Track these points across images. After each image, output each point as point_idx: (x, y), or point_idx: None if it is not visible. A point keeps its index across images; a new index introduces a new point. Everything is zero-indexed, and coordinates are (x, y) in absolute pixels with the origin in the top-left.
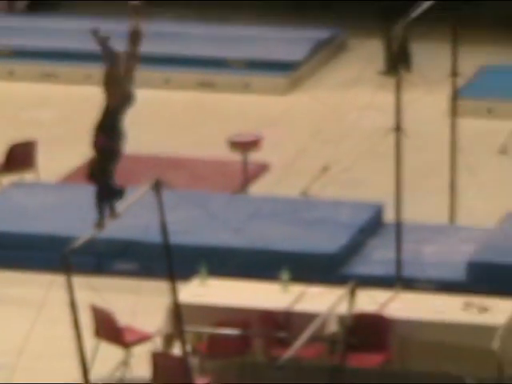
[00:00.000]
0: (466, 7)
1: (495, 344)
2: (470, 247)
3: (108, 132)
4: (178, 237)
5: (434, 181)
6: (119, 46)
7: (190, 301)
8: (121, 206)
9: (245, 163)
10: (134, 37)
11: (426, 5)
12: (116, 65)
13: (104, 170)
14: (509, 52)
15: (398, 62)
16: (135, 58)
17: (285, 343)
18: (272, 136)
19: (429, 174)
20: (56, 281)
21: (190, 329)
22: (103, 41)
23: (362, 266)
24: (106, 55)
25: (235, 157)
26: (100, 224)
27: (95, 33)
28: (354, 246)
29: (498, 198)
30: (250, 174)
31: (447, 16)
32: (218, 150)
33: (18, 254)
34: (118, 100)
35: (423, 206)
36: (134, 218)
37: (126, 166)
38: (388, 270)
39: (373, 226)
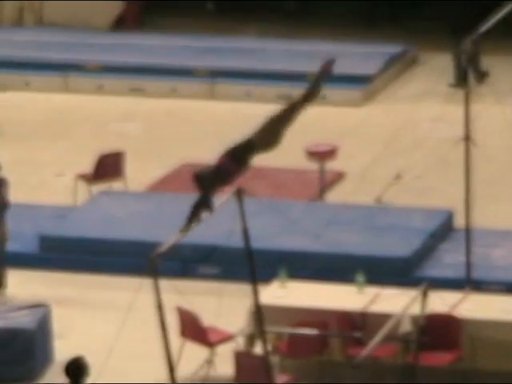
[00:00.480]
0: None
1: None
2: None
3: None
4: (259, 242)
5: (502, 188)
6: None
7: (271, 302)
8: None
9: (322, 172)
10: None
11: (494, 19)
12: None
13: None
14: None
15: (467, 75)
16: None
17: (361, 343)
18: (347, 146)
19: (497, 182)
20: (143, 284)
21: (270, 329)
22: None
23: (433, 269)
24: None
25: (313, 166)
26: (185, 229)
27: None
28: (426, 251)
29: None
30: (327, 183)
31: None
32: (297, 160)
33: (106, 259)
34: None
35: (492, 213)
36: (217, 225)
37: None
38: (458, 272)
39: (444, 231)
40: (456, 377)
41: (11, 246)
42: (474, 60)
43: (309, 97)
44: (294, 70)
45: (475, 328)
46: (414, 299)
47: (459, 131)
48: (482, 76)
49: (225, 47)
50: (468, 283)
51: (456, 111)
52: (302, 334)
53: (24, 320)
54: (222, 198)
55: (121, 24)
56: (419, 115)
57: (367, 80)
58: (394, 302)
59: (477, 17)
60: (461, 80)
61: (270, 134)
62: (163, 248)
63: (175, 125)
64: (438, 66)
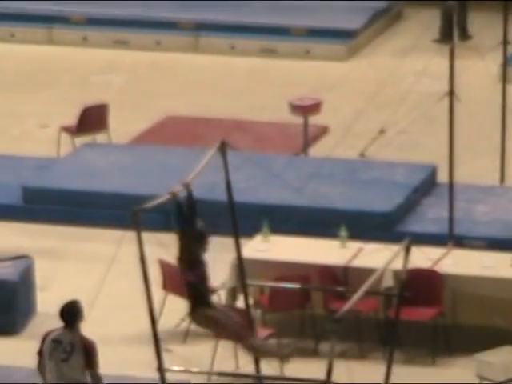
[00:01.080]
0: None
1: None
2: None
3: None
4: (242, 195)
5: (485, 143)
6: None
7: (253, 256)
8: (191, 175)
9: (305, 126)
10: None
11: None
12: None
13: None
14: None
15: (452, 31)
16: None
17: (343, 297)
18: (331, 100)
19: (480, 137)
20: (126, 237)
21: (252, 283)
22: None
23: (416, 224)
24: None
25: (296, 120)
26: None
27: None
28: (409, 205)
29: None
30: (311, 137)
31: None
32: (280, 114)
33: (89, 211)
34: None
35: (475, 168)
36: (200, 178)
37: (193, 129)
38: (441, 228)
39: (427, 186)
40: (437, 331)
41: None
42: (459, 17)
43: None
44: (277, 23)
45: (457, 283)
46: (396, 254)
47: (443, 86)
48: (465, 35)
49: (209, 0)
50: (450, 238)
51: (440, 66)
52: (284, 288)
53: (6, 271)
54: (206, 151)
55: None
56: (403, 70)
57: (351, 34)
58: (377, 257)
59: None
60: (445, 36)
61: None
62: (147, 205)
63: (159, 77)
64: (422, 21)
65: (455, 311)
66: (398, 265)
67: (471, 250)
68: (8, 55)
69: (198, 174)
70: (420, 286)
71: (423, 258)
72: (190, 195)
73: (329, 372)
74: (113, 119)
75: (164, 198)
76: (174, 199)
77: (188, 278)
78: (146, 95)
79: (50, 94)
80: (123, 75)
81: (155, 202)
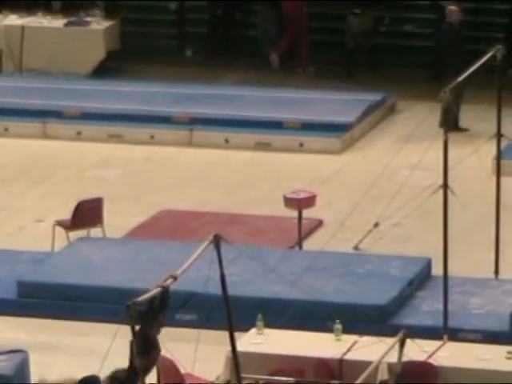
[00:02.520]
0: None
1: None
2: None
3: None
4: (237, 289)
5: (480, 236)
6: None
7: (248, 349)
8: (181, 269)
9: (300, 219)
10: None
11: (472, 69)
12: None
13: None
14: None
15: (446, 124)
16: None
17: None
18: (326, 194)
19: (475, 230)
20: (120, 331)
21: (247, 376)
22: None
23: (411, 317)
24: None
25: (291, 213)
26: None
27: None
28: (404, 298)
29: None
30: (305, 230)
31: (493, 79)
32: (275, 207)
33: (84, 305)
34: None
35: (469, 260)
36: (194, 271)
37: (187, 223)
38: (436, 320)
39: (421, 279)
40: None
41: None
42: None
43: None
44: (271, 117)
45: (452, 376)
46: (391, 347)
47: (437, 179)
48: (457, 128)
49: (203, 94)
50: (445, 331)
51: (434, 159)
52: (279, 382)
53: (2, 365)
54: (200, 244)
55: (100, 72)
56: (397, 163)
57: (346, 128)
58: (372, 350)
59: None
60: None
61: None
62: (141, 298)
63: (153, 171)
64: (416, 114)
65: None
66: (393, 357)
67: (466, 342)
68: (2, 150)
69: (189, 267)
70: (415, 379)
71: (418, 350)
72: (165, 292)
73: None
74: (107, 213)
75: (154, 290)
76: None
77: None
78: (140, 189)
79: (45, 188)
80: (117, 169)
81: (147, 296)
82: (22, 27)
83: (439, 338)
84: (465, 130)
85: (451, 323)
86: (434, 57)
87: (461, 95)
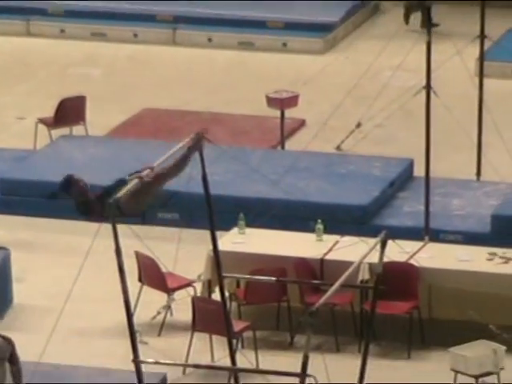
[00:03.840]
0: None
1: None
2: (495, 201)
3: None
4: (219, 188)
5: (462, 138)
6: None
7: (229, 249)
8: (159, 160)
9: (282, 119)
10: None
11: None
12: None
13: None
14: None
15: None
16: None
17: (319, 290)
18: (308, 94)
19: (457, 132)
20: (102, 229)
21: (228, 275)
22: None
23: (392, 218)
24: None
25: (273, 113)
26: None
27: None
28: (386, 199)
29: None
30: (287, 130)
31: None
32: (257, 107)
33: (65, 203)
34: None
35: (451, 162)
36: None
37: (169, 122)
38: (417, 221)
39: (403, 180)
40: (413, 325)
41: None
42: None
43: (174, 169)
44: (254, 16)
45: (433, 277)
46: (372, 247)
47: (420, 80)
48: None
49: None
50: (426, 232)
51: (417, 60)
52: (260, 281)
53: None
54: (182, 142)
55: None
56: (380, 63)
57: (329, 28)
58: (353, 250)
59: None
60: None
61: (134, 202)
62: (121, 193)
63: (136, 70)
64: (399, 15)
65: (431, 305)
66: (374, 258)
67: (447, 243)
68: None
69: (166, 159)
70: (396, 280)
71: (399, 251)
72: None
73: (304, 365)
74: (90, 111)
75: (133, 182)
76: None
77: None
78: (123, 88)
79: (28, 86)
80: (101, 68)
81: (125, 189)
82: None
83: (420, 239)
84: (436, 25)
85: (432, 224)
86: None
87: None
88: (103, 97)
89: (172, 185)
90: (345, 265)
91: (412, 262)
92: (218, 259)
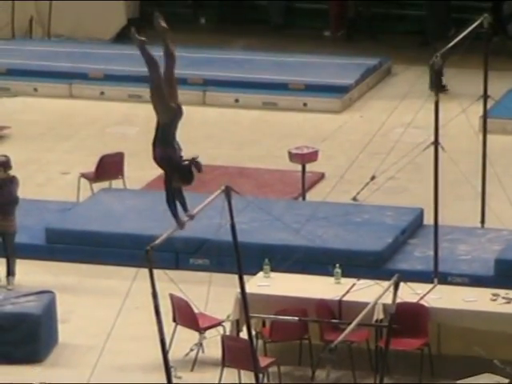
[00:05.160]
0: (496, 38)
1: None
2: (498, 247)
3: (162, 144)
4: (245, 236)
5: (467, 189)
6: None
7: (256, 291)
8: (196, 209)
9: (303, 173)
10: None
11: (460, 36)
12: (157, 77)
13: (168, 178)
14: None
15: (436, 86)
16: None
17: (337, 329)
18: (327, 149)
19: (463, 183)
20: (139, 274)
21: (255, 315)
22: (141, 43)
23: (404, 263)
24: (146, 60)
25: (295, 167)
26: (179, 223)
27: (133, 35)
28: (398, 245)
29: None
30: (308, 182)
31: (480, 46)
32: (280, 162)
33: (106, 250)
34: (167, 116)
35: (458, 211)
36: (207, 220)
37: (200, 176)
38: (427, 265)
39: (414, 227)
40: (423, 360)
41: (19, 238)
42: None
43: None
44: (277, 79)
45: (441, 316)
46: (386, 289)
47: (429, 136)
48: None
49: (215, 58)
50: (435, 275)
51: (426, 118)
52: (284, 320)
53: (31, 305)
54: (212, 195)
55: (122, 37)
56: (392, 122)
57: (345, 89)
58: (368, 292)
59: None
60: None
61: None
62: (158, 241)
63: None
64: (410, 77)
65: (440, 342)
66: (387, 299)
67: (454, 285)
68: (32, 108)
69: (202, 208)
70: (408, 319)
71: (411, 293)
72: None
73: None
74: (128, 167)
75: (172, 229)
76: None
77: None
78: None
79: (71, 144)
80: (137, 127)
81: (165, 235)
82: None
83: (430, 281)
84: (446, 89)
85: (441, 268)
86: (424, 24)
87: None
88: (139, 153)
89: (203, 233)
90: (361, 305)
91: (422, 302)
92: (245, 301)
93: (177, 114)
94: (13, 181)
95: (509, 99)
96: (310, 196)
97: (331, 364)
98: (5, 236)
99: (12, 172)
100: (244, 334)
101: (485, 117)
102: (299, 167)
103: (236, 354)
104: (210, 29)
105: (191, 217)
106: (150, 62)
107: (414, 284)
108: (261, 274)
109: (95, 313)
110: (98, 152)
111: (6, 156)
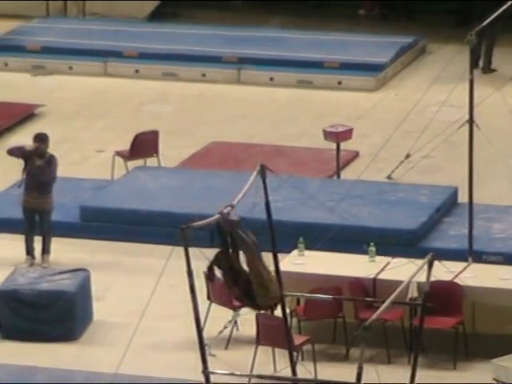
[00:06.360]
0: None
1: None
2: None
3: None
4: (280, 214)
5: (502, 167)
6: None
7: (290, 270)
8: (236, 199)
9: (338, 151)
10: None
11: (495, 14)
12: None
13: None
14: None
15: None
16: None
17: (371, 307)
18: (361, 128)
19: (497, 162)
20: (175, 252)
21: (289, 294)
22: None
23: (438, 241)
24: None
25: (329, 145)
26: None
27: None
28: (432, 224)
29: None
30: (342, 161)
31: None
32: (315, 140)
33: (141, 228)
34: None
35: (492, 189)
36: (243, 198)
37: (235, 154)
38: (461, 244)
39: (448, 206)
40: (458, 339)
41: (54, 216)
42: (487, 51)
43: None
44: (312, 57)
45: (476, 295)
46: (420, 268)
47: (463, 115)
48: (489, 69)
49: (250, 37)
50: (470, 254)
51: (460, 97)
52: (318, 299)
53: (66, 283)
54: (247, 174)
55: (156, 16)
56: (427, 100)
57: (380, 68)
58: (402, 271)
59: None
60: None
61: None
62: (197, 223)
63: (204, 107)
64: (444, 56)
65: (474, 320)
66: (422, 278)
67: (489, 264)
68: (67, 87)
69: (243, 196)
70: (442, 297)
71: (445, 271)
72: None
73: (359, 376)
74: (162, 145)
75: (212, 218)
76: (220, 219)
77: (234, 294)
78: (192, 123)
79: (106, 122)
80: (172, 105)
81: (203, 222)
82: None
83: (464, 260)
84: (494, 70)
85: (475, 246)
86: (461, 4)
87: (493, 39)
88: (174, 131)
89: (238, 211)
90: (395, 284)
91: (457, 281)
92: (280, 279)
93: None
94: (51, 160)
95: None
96: (344, 174)
97: (365, 342)
98: (41, 213)
99: (48, 150)
100: (278, 312)
101: None
102: (334, 145)
103: (270, 332)
104: (245, 7)
105: (232, 206)
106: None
107: (448, 262)
108: (295, 252)
109: (130, 291)
110: (133, 130)
111: (44, 134)
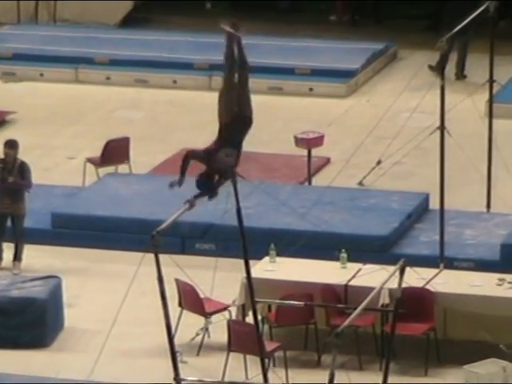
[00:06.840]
0: (502, 23)
1: None
2: (504, 231)
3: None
4: (251, 221)
5: (473, 173)
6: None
7: (261, 276)
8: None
9: (309, 157)
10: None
11: (466, 21)
12: (229, 78)
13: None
14: None
15: (441, 70)
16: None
17: (343, 313)
18: (333, 134)
19: (469, 168)
20: (145, 258)
21: (261, 300)
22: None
23: (410, 247)
24: (227, 56)
25: (301, 152)
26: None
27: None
28: (404, 230)
29: None
30: (314, 167)
31: (486, 30)
32: (286, 147)
33: (112, 235)
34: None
35: (464, 196)
36: (213, 204)
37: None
38: (433, 250)
39: (420, 212)
40: (429, 345)
41: (26, 223)
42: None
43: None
44: (283, 64)
45: (447, 301)
46: (392, 274)
47: (434, 121)
48: (462, 75)
49: (221, 43)
50: (441, 260)
51: (431, 103)
52: (290, 305)
53: (37, 290)
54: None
55: (128, 22)
56: (398, 106)
57: (351, 74)
58: (374, 277)
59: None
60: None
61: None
62: (164, 225)
63: (176, 113)
64: (415, 62)
65: (445, 326)
66: (393, 284)
67: (460, 270)
68: (38, 93)
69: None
70: (413, 304)
71: (416, 278)
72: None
73: (330, 382)
74: (134, 151)
75: (180, 211)
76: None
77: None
78: (164, 129)
79: (77, 128)
80: (143, 111)
81: (171, 219)
82: None
83: (436, 266)
84: (464, 76)
85: (447, 253)
86: (431, 9)
87: (466, 45)
88: (145, 138)
89: (209, 218)
90: (367, 290)
91: (428, 287)
92: (251, 286)
93: (237, 119)
94: (24, 168)
95: None
96: (315, 181)
97: (337, 349)
98: (14, 218)
99: (18, 156)
100: (250, 319)
101: (491, 101)
102: (305, 152)
103: (242, 338)
104: (215, 13)
105: (191, 204)
106: (230, 59)
107: (419, 269)
108: (267, 258)
109: (101, 297)
110: (104, 137)
111: (14, 140)
